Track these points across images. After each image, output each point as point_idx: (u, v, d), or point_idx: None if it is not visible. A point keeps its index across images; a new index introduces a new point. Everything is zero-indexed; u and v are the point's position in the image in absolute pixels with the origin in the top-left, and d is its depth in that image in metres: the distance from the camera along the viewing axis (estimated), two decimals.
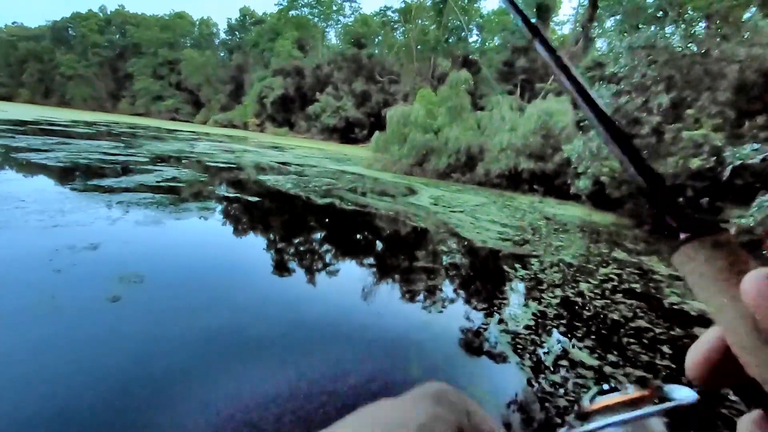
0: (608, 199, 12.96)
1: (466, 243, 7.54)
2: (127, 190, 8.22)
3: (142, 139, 21.69)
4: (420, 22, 48.06)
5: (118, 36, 73.33)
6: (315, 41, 59.30)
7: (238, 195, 9.41)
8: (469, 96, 22.36)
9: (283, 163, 17.84)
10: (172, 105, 66.56)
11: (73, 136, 18.87)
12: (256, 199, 9.29)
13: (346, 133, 48.46)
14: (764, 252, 7.16)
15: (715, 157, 9.21)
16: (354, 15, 56.27)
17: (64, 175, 9.19)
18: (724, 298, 0.28)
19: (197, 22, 75.18)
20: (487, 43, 50.04)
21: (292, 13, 58.41)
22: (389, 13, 51.47)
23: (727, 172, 8.28)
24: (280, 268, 5.27)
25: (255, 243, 6.44)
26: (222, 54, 73.20)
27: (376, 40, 54.48)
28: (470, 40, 52.70)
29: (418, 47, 47.82)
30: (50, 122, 26.28)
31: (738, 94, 9.99)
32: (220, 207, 8.22)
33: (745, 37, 10.64)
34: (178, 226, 6.39)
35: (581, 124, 15.80)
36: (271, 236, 6.95)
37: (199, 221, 6.89)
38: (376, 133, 23.26)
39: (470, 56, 49.44)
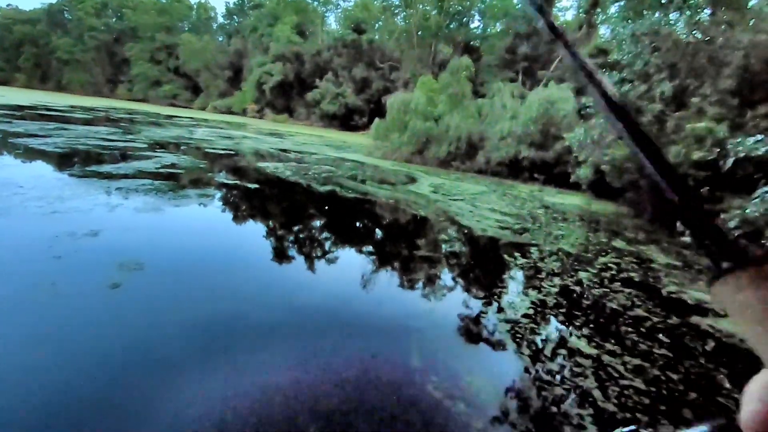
0: (609, 188, 12.93)
1: (465, 231, 7.55)
2: (126, 176, 8.18)
3: (141, 125, 21.52)
4: (421, 7, 47.27)
5: (114, 20, 72.20)
6: (315, 26, 58.45)
7: (237, 182, 9.38)
8: (470, 83, 22.13)
9: (283, 150, 17.74)
10: (171, 91, 65.86)
11: (71, 121, 18.73)
12: (256, 186, 9.26)
13: (345, 120, 48.10)
14: (765, 243, 7.16)
15: (718, 149, 9.16)
16: (354, 0, 55.32)
17: (63, 161, 9.14)
18: (765, 330, 0.27)
19: (195, 6, 74.00)
20: (489, 29, 49.30)
21: None
22: None
23: (729, 163, 8.24)
24: (280, 256, 5.28)
25: (255, 230, 6.44)
26: (220, 39, 72.23)
27: (377, 25, 53.67)
28: (472, 26, 51.98)
29: (419, 33, 47.15)
30: (48, 107, 26.05)
31: (742, 82, 9.88)
32: (219, 194, 8.20)
33: (750, 24, 10.48)
34: (178, 212, 6.38)
35: (582, 112, 15.69)
36: (271, 223, 6.94)
37: (199, 208, 6.88)
38: (376, 120, 23.09)
39: (471, 43, 48.79)
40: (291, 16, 55.54)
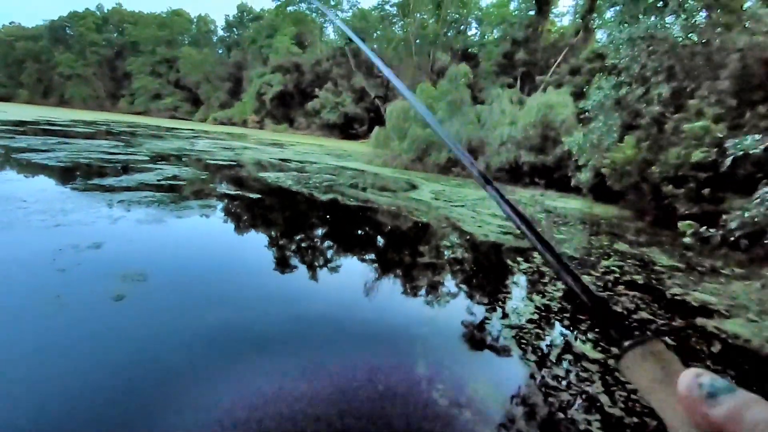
0: (609, 192, 12.93)
1: (468, 237, 7.54)
2: (128, 188, 8.22)
3: (142, 138, 21.66)
4: (419, 15, 47.76)
5: (115, 34, 73.06)
6: (313, 37, 59.00)
7: (239, 192, 9.41)
8: (469, 90, 22.25)
9: (284, 160, 17.82)
10: (171, 103, 66.43)
11: (73, 135, 18.86)
12: (258, 196, 9.29)
13: (345, 129, 48.38)
14: (765, 240, 7.14)
15: (716, 149, 9.17)
16: (352, 10, 55.84)
17: (65, 174, 9.20)
18: (665, 400, 0.32)
19: (195, 20, 74.81)
20: (486, 36, 49.67)
21: (290, 9, 58.05)
22: (387, 7, 51.07)
23: (727, 163, 8.24)
24: (283, 265, 5.28)
25: (257, 240, 6.45)
26: (220, 51, 72.91)
27: (375, 34, 54.14)
28: (469, 33, 52.44)
29: (417, 41, 47.57)
30: (50, 122, 26.27)
31: (739, 84, 9.92)
32: (221, 204, 8.22)
33: (746, 26, 10.54)
34: (180, 224, 6.40)
35: (581, 116, 15.74)
36: (273, 233, 6.95)
37: (201, 219, 6.90)
38: (376, 128, 23.21)
39: (469, 49, 49.14)
40: (290, 27, 56.14)
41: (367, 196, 10.70)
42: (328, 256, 6.03)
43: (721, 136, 9.23)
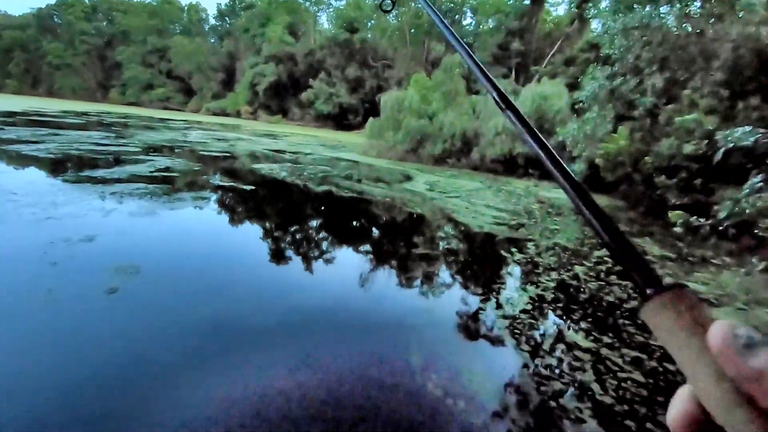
0: (603, 182, 13.00)
1: (462, 228, 7.56)
2: (119, 180, 8.14)
3: (134, 129, 21.41)
4: (413, 4, 47.24)
5: (105, 23, 71.74)
6: (307, 26, 58.30)
7: (233, 184, 9.35)
8: (464, 80, 22.17)
9: (278, 151, 17.70)
10: (163, 94, 65.53)
11: (64, 126, 18.59)
12: (252, 188, 9.24)
13: (340, 120, 48.08)
14: (757, 232, 7.23)
15: (707, 141, 9.23)
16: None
17: (56, 166, 9.08)
18: (690, 350, 0.30)
19: (186, 8, 73.59)
20: (481, 26, 49.31)
21: None
22: None
23: (719, 155, 8.30)
24: (278, 257, 5.28)
25: (251, 231, 6.43)
26: (212, 40, 71.92)
27: (369, 24, 53.58)
28: (464, 23, 52.02)
29: (412, 30, 47.16)
30: (39, 113, 25.86)
31: (732, 74, 9.96)
32: (215, 196, 8.17)
33: (740, 16, 10.55)
34: (173, 216, 6.36)
35: (576, 106, 15.75)
36: (268, 225, 6.93)
37: (195, 211, 6.86)
38: (371, 119, 23.10)
39: (464, 40, 48.68)
40: (283, 16, 55.39)
41: (362, 188, 10.68)
42: (323, 247, 6.04)
43: (712, 128, 9.28)
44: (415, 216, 8.33)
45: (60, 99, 61.26)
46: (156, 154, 12.88)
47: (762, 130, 7.80)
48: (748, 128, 7.93)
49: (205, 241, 5.58)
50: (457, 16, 50.95)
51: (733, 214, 7.56)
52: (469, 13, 51.74)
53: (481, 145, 18.88)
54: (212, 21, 74.49)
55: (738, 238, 7.71)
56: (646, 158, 10.81)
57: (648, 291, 0.34)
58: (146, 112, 47.42)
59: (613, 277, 5.54)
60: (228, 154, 15.09)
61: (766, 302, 5.07)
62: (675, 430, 0.31)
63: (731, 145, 8.03)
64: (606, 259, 6.40)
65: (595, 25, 34.85)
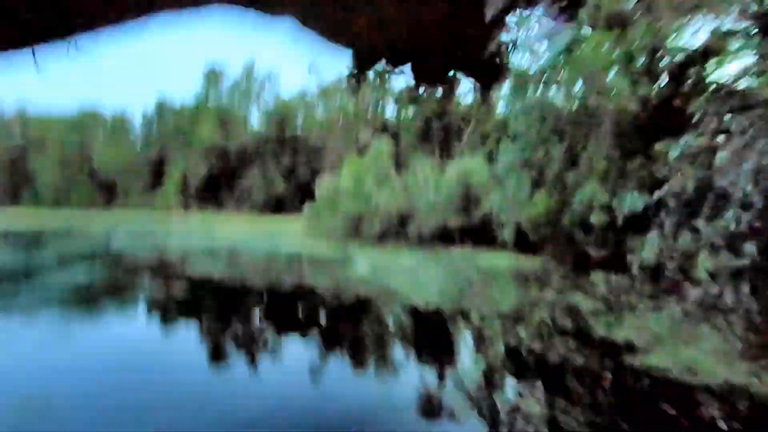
0: (532, 244, 13.91)
1: (408, 306, 7.59)
2: (29, 302, 7.32)
3: (50, 238, 19.75)
4: (339, 100, 50.96)
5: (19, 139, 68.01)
6: (238, 127, 59.84)
7: (164, 289, 8.77)
8: (393, 161, 23.60)
9: (211, 248, 17.07)
10: (86, 196, 61.76)
11: None
12: (187, 291, 8.72)
13: (278, 206, 48.12)
14: (666, 273, 8.14)
15: (608, 211, 10.54)
16: (273, 100, 58.16)
17: None
18: None
19: (111, 119, 71.30)
20: (402, 114, 53.79)
21: (212, 103, 59.07)
22: (307, 96, 54.27)
23: (620, 220, 9.60)
24: (220, 361, 4.89)
25: (188, 338, 5.94)
26: (139, 143, 70.45)
27: (299, 116, 56.37)
28: (388, 113, 56.49)
29: (340, 120, 50.27)
30: None
31: (618, 139, 11.68)
32: (144, 305, 7.58)
33: (612, 94, 12.66)
34: (92, 336, 5.76)
35: (497, 177, 17.24)
36: (205, 328, 6.46)
37: (120, 324, 6.27)
38: (308, 203, 23.47)
39: (389, 125, 52.64)
40: (213, 117, 56.60)
41: (303, 278, 10.50)
42: (268, 345, 5.71)
43: (605, 200, 10.59)
44: (361, 299, 8.25)
45: None
46: (73, 265, 11.86)
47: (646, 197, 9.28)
48: (635, 194, 9.33)
49: (133, 356, 5.04)
50: (380, 105, 55.33)
51: (644, 266, 8.54)
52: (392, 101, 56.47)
53: (416, 220, 19.66)
54: (138, 126, 73.22)
55: (654, 282, 8.54)
56: (564, 219, 11.89)
57: None
58: (67, 213, 44.21)
59: (554, 337, 5.76)
60: (158, 256, 14.27)
61: (691, 341, 5.52)
62: None
63: (626, 211, 9.36)
64: (545, 319, 6.68)
65: (501, 106, 39.43)
